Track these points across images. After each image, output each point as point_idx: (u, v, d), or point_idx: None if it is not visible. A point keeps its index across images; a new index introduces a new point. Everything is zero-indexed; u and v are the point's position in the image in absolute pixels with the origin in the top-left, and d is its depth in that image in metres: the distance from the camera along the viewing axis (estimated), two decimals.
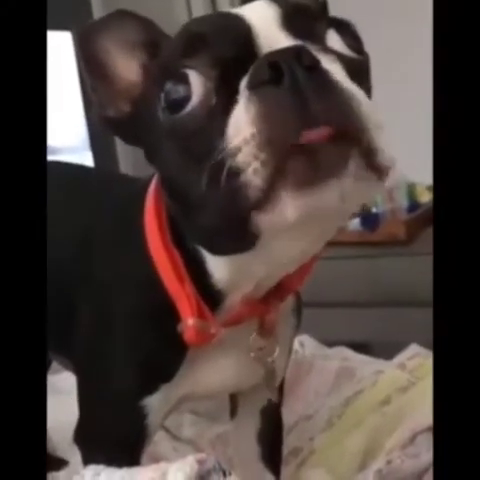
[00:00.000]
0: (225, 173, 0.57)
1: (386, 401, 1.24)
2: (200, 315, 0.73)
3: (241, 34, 0.62)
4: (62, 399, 1.29)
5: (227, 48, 0.61)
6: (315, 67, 0.57)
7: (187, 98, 0.62)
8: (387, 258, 2.12)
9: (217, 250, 0.68)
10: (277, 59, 0.57)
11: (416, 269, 1.97)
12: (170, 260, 0.74)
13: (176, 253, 0.74)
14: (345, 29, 0.66)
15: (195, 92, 0.61)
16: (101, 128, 0.73)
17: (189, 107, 0.62)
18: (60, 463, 1.23)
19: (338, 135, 0.56)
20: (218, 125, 0.59)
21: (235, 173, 0.56)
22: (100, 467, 0.62)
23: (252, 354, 0.81)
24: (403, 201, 2.39)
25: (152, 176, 0.80)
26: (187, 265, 0.74)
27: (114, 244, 0.84)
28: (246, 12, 0.64)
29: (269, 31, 0.62)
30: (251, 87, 0.58)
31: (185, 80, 0.62)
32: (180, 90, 0.62)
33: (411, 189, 2.44)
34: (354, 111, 0.57)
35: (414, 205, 2.40)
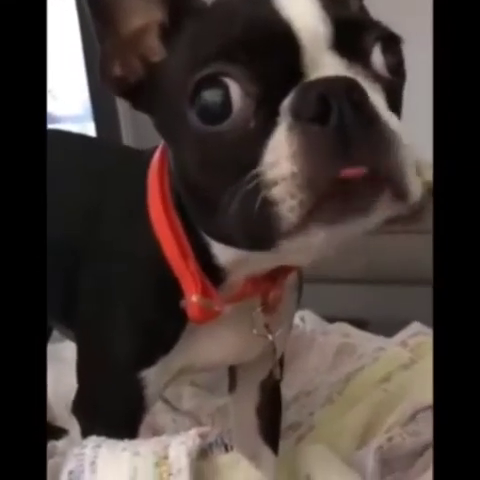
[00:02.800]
0: (259, 202, 0.56)
1: (387, 378, 1.24)
2: (204, 292, 0.73)
3: (288, 50, 0.59)
4: (63, 368, 1.30)
5: (272, 64, 0.58)
6: (362, 104, 0.56)
7: (226, 113, 0.59)
8: (388, 235, 2.11)
9: (228, 244, 0.67)
10: (326, 93, 0.55)
11: (417, 247, 1.96)
12: (175, 238, 0.74)
13: (181, 230, 0.74)
14: (391, 44, 0.63)
15: (235, 108, 0.59)
16: (102, 87, 0.68)
17: (227, 123, 0.59)
18: (60, 432, 1.24)
19: (374, 175, 0.56)
20: (255, 146, 0.58)
21: (268, 203, 0.56)
22: (101, 439, 0.62)
23: (254, 331, 0.80)
24: None
25: (155, 148, 0.78)
26: (191, 242, 0.73)
27: (120, 217, 0.83)
28: (296, 20, 0.59)
29: (317, 49, 0.59)
30: (295, 116, 0.56)
31: (225, 93, 0.59)
32: (219, 103, 0.59)
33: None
34: (394, 154, 0.57)
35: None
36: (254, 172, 0.57)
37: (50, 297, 0.93)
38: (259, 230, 0.58)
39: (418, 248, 1.96)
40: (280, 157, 0.56)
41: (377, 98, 0.59)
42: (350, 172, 0.55)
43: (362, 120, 0.56)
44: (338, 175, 0.54)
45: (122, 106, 2.66)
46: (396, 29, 0.65)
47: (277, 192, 0.56)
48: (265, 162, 0.57)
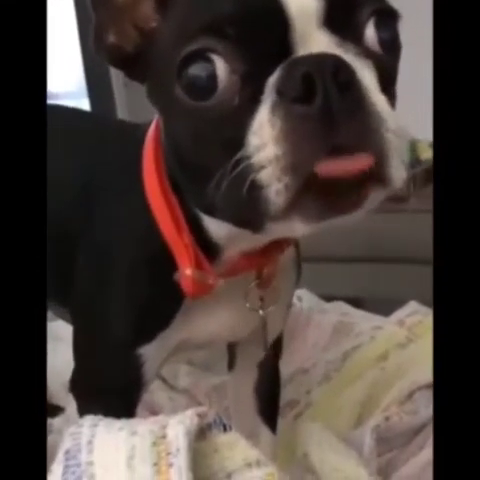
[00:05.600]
0: (247, 186, 0.56)
1: (384, 356, 1.25)
2: (198, 266, 0.72)
3: (277, 26, 0.57)
4: (60, 346, 1.30)
5: (259, 40, 0.57)
6: (349, 85, 0.54)
7: (211, 89, 0.58)
8: (386, 214, 2.10)
9: (217, 218, 0.66)
10: (312, 72, 0.54)
11: (414, 226, 1.96)
12: (169, 210, 0.73)
13: (175, 204, 0.73)
14: (386, 19, 0.61)
15: (220, 84, 0.57)
16: (98, 56, 0.67)
17: (212, 99, 0.58)
18: (56, 410, 1.24)
19: (361, 169, 0.54)
20: (240, 123, 0.57)
21: (256, 187, 0.55)
22: (98, 417, 0.62)
23: (247, 304, 0.80)
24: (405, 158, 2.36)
25: (150, 123, 0.77)
26: (185, 216, 0.73)
27: (114, 192, 0.82)
28: None
29: (307, 25, 0.57)
30: (279, 94, 0.55)
31: (211, 68, 0.57)
32: (204, 79, 0.58)
33: (413, 146, 2.41)
34: (380, 138, 0.55)
35: (415, 162, 2.38)
36: (241, 154, 0.56)
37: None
38: (247, 213, 0.58)
39: (413, 227, 1.96)
40: (265, 139, 0.55)
41: (367, 77, 0.57)
42: (336, 167, 0.53)
43: (348, 102, 0.54)
44: (323, 161, 0.53)
45: (116, 82, 2.64)
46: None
47: (264, 175, 0.55)
48: (251, 145, 0.56)
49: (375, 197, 0.58)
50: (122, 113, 2.56)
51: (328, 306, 1.57)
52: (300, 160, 0.54)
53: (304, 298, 1.58)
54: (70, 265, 0.85)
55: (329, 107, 0.53)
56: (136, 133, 0.80)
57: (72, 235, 0.85)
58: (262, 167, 0.55)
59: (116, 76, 2.53)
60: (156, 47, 0.65)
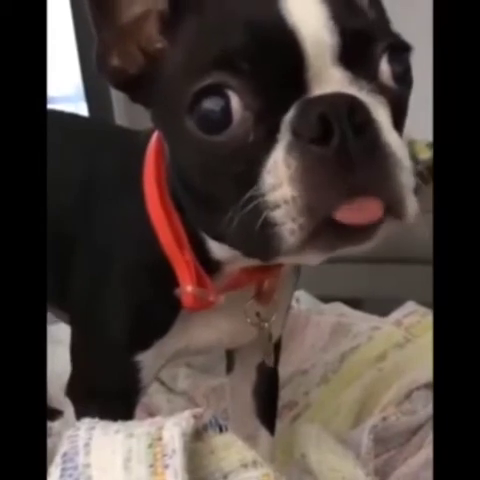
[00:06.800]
0: (260, 223, 0.56)
1: (382, 357, 1.25)
2: (199, 282, 0.72)
3: (292, 62, 0.56)
4: (59, 349, 1.29)
5: (274, 76, 0.56)
6: (365, 126, 0.55)
7: (225, 124, 0.57)
8: None
9: (229, 246, 0.65)
10: (327, 113, 0.54)
11: (414, 226, 1.95)
12: (171, 227, 0.73)
13: (177, 221, 0.73)
14: (399, 53, 0.61)
15: (235, 120, 0.57)
16: (100, 78, 0.66)
17: (225, 134, 0.58)
18: (55, 413, 1.24)
19: (377, 218, 0.55)
20: (254, 160, 0.57)
21: (269, 224, 0.56)
22: (95, 420, 0.62)
23: (248, 320, 0.80)
24: None
25: (152, 131, 0.76)
26: (187, 232, 0.72)
27: (115, 200, 0.82)
28: (302, 29, 0.56)
29: (322, 61, 0.57)
30: (295, 134, 0.55)
31: (226, 104, 0.57)
32: (219, 113, 0.57)
33: (411, 146, 2.42)
34: (395, 179, 0.56)
35: (414, 162, 2.37)
36: (254, 191, 0.56)
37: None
38: (259, 248, 0.58)
39: (414, 227, 1.95)
40: (281, 179, 0.55)
41: (381, 114, 0.57)
42: (352, 215, 0.54)
43: (364, 143, 0.54)
44: (340, 205, 0.54)
45: None
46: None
47: (278, 215, 0.55)
48: (266, 183, 0.56)
49: (390, 228, 0.58)
50: (120, 117, 2.56)
51: (326, 307, 1.57)
52: (318, 203, 0.54)
53: (302, 299, 1.58)
54: (69, 269, 0.85)
55: (346, 149, 0.54)
56: (136, 140, 0.80)
57: (71, 238, 0.85)
58: (276, 206, 0.55)
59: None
60: (163, 73, 0.64)
